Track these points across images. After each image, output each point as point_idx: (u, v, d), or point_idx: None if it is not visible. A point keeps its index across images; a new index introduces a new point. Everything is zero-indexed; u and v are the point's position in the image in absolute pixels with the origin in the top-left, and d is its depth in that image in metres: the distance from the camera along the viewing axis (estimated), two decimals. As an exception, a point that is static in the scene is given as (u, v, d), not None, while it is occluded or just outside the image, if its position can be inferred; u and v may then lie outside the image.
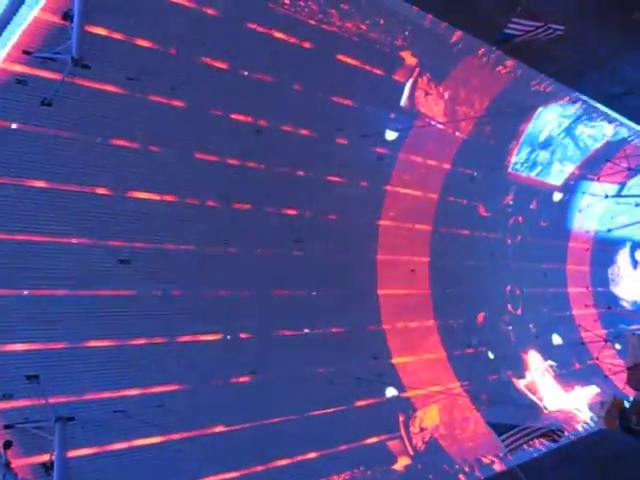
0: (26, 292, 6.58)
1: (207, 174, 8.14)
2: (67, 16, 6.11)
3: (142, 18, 6.95)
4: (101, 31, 6.63)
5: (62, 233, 6.80)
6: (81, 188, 6.91)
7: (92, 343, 6.96)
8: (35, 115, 6.42)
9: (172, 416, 7.27)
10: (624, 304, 17.57)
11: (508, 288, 13.42)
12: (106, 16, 6.62)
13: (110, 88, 6.93)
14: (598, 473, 9.67)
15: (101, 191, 7.10)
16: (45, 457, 6.11)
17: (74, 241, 6.90)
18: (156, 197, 7.65)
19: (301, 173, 9.16)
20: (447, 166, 11.30)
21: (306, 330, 9.44)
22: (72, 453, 6.32)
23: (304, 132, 8.98)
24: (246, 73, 8.01)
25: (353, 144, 9.52)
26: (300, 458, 8.31)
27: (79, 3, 5.85)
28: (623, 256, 18.04)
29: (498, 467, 9.94)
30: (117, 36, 6.81)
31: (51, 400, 6.38)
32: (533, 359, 13.40)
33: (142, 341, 7.40)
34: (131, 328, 7.34)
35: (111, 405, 6.87)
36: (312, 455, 8.47)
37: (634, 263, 18.26)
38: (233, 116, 8.13)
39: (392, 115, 9.92)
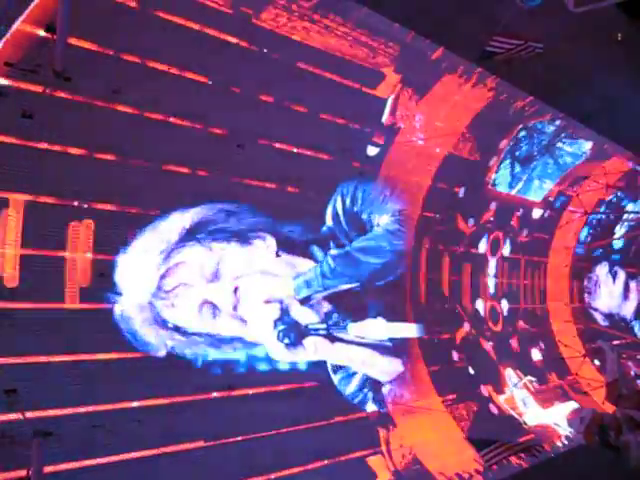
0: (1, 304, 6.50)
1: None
2: (50, 28, 6.10)
3: (126, 31, 6.96)
4: (84, 44, 6.62)
5: (43, 246, 6.73)
6: (62, 201, 6.86)
7: (71, 357, 6.89)
8: (16, 127, 6.37)
9: (152, 431, 7.22)
10: (596, 316, 17.70)
11: (488, 304, 13.48)
12: (89, 29, 6.61)
13: (93, 101, 6.90)
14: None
15: (82, 205, 7.05)
16: (22, 473, 6.02)
17: (55, 254, 6.83)
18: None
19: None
20: (428, 182, 11.37)
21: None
22: (49, 468, 6.24)
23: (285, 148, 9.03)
24: (228, 88, 8.04)
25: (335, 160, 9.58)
26: (277, 475, 8.24)
27: (62, 15, 5.85)
28: (601, 269, 18.22)
29: (479, 482, 9.97)
30: (100, 49, 6.79)
31: (28, 415, 6.30)
32: (512, 375, 13.45)
33: (120, 355, 7.33)
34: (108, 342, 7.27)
35: (90, 420, 6.79)
36: (289, 472, 8.41)
37: (613, 275, 18.47)
38: (214, 130, 8.12)
39: (373, 131, 10.00)
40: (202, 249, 7.87)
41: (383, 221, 9.75)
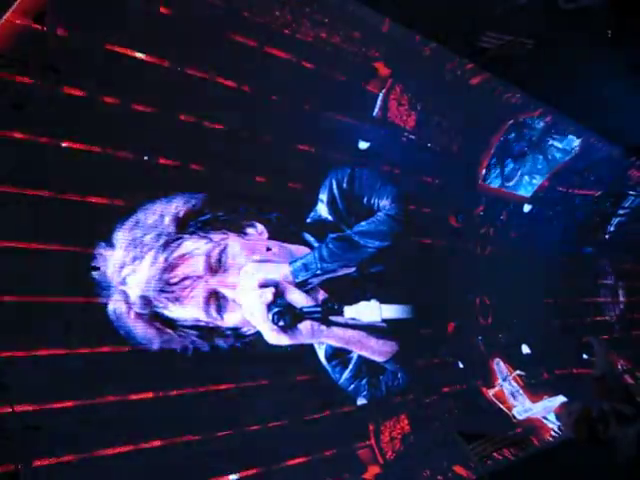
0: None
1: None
2: (40, 20, 6.06)
3: (115, 24, 6.92)
4: (75, 35, 6.57)
5: (33, 240, 6.69)
6: (51, 194, 6.82)
7: (61, 351, 6.86)
8: (6, 118, 6.33)
9: (142, 425, 7.20)
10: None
11: (478, 298, 13.50)
12: (80, 21, 6.57)
13: (81, 93, 6.85)
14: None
15: (71, 197, 7.01)
16: (11, 467, 6.00)
17: (48, 247, 6.79)
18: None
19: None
20: (419, 177, 11.37)
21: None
22: (39, 463, 6.22)
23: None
24: (222, 82, 8.00)
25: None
26: (267, 468, 8.23)
27: (52, 7, 5.82)
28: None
29: (468, 476, 10.00)
30: (90, 41, 6.75)
31: (18, 409, 6.27)
32: (502, 369, 13.49)
33: (112, 349, 7.30)
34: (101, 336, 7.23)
35: (80, 414, 6.77)
36: (279, 465, 8.41)
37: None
38: (206, 124, 8.09)
39: (364, 125, 9.98)
40: (203, 240, 7.86)
41: (383, 205, 9.75)
